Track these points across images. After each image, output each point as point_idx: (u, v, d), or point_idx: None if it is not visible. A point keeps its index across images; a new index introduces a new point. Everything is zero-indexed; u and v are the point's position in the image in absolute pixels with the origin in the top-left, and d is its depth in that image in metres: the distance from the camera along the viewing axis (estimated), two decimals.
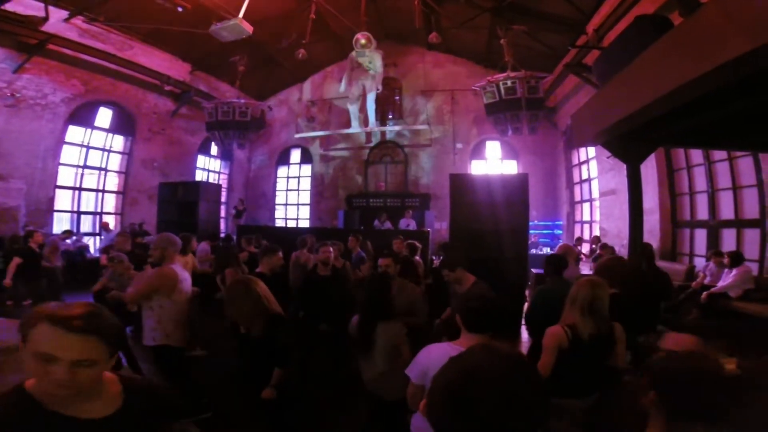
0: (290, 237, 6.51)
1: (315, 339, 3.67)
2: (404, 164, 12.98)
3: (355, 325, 2.54)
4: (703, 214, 6.07)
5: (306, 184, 14.14)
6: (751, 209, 5.16)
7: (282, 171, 14.57)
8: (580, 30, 7.48)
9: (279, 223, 13.98)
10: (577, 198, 10.92)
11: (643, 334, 3.48)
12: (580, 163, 10.52)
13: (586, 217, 10.43)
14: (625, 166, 4.16)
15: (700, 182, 6.13)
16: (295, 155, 14.43)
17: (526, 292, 6.01)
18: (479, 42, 10.47)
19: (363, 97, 10.61)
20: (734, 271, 4.45)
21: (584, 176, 10.41)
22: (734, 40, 1.59)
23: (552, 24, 8.13)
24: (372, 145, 13.07)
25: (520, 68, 9.05)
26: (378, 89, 9.45)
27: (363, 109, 10.99)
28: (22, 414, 0.96)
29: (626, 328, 2.59)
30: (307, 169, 14.18)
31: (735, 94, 2.12)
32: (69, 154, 9.30)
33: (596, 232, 9.54)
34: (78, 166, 9.53)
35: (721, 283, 4.64)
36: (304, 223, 13.67)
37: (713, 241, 5.76)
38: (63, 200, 9.24)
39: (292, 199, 14.37)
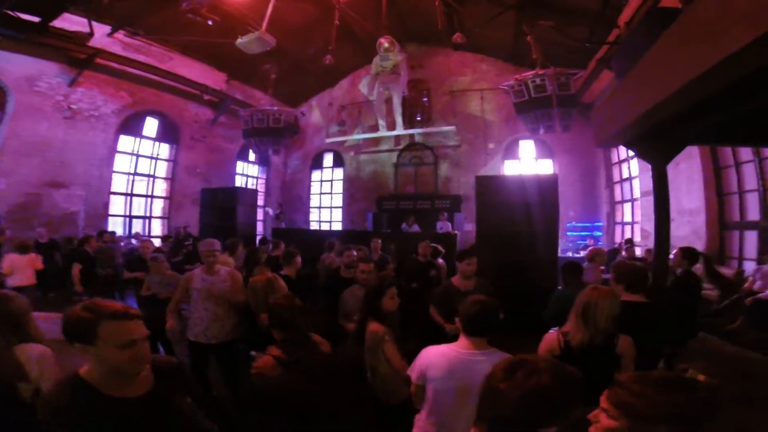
0: (321, 240, 6.73)
1: (337, 337, 3.81)
2: (434, 166, 12.93)
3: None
4: (754, 214, 5.59)
5: (338, 187, 14.46)
6: None
7: (316, 175, 14.99)
8: (612, 23, 7.13)
9: (313, 226, 14.39)
10: (618, 198, 10.38)
11: (672, 346, 3.32)
12: (620, 161, 10.00)
13: (628, 218, 9.89)
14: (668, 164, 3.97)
15: (750, 180, 5.65)
16: (328, 159, 14.79)
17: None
18: (506, 40, 10.25)
19: (389, 100, 10.71)
20: None
21: (625, 175, 9.88)
22: (736, 28, 1.51)
23: (580, 18, 7.80)
24: (401, 147, 13.14)
25: (549, 65, 8.76)
26: (404, 92, 9.49)
27: (390, 113, 11.09)
28: (80, 395, 1.19)
29: (652, 339, 2.46)
30: (339, 172, 14.50)
31: (757, 85, 1.99)
32: (121, 162, 10.12)
33: (637, 234, 9.04)
34: (129, 174, 10.34)
35: None
36: (337, 226, 13.98)
37: (765, 244, 5.29)
38: (117, 205, 10.07)
39: (326, 202, 14.74)
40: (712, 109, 2.44)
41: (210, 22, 8.52)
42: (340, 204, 14.29)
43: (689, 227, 6.54)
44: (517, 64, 11.00)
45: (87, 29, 8.18)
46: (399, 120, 11.03)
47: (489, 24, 9.23)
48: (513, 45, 10.24)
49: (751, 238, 5.66)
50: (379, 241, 5.97)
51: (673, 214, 6.62)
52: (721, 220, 6.18)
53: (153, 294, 3.97)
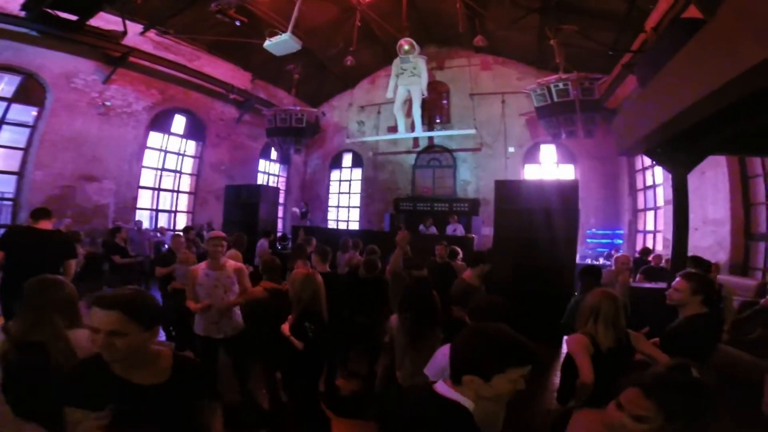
0: (338, 238, 6.86)
1: (354, 334, 3.93)
2: (453, 168, 12.94)
3: (404, 323, 2.66)
4: None
5: (357, 187, 14.62)
6: None
7: (335, 174, 15.19)
8: (638, 28, 7.03)
9: (331, 225, 14.59)
10: (641, 206, 10.17)
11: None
12: (644, 168, 9.80)
13: (650, 226, 9.69)
14: (688, 173, 3.92)
15: None
16: (347, 159, 14.97)
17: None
18: (529, 43, 10.17)
19: (409, 102, 10.78)
20: None
21: (649, 182, 9.69)
22: (755, 42, 1.54)
23: (605, 22, 7.70)
24: (419, 149, 13.19)
25: (572, 69, 8.68)
26: (424, 94, 9.55)
27: (410, 114, 11.16)
28: (94, 372, 1.28)
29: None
30: (357, 172, 14.66)
31: None
32: (150, 158, 10.50)
33: (660, 244, 8.85)
34: (157, 169, 10.73)
35: None
36: (354, 226, 14.13)
37: None
38: (144, 199, 10.46)
39: (344, 201, 14.93)
40: (733, 119, 2.44)
41: (238, 23, 8.75)
42: (358, 204, 14.45)
43: (713, 237, 6.40)
44: (539, 67, 10.93)
45: (121, 28, 8.50)
46: (418, 122, 11.08)
47: (511, 27, 9.21)
48: (536, 48, 10.16)
49: None
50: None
51: (697, 223, 6.50)
52: (747, 230, 6.02)
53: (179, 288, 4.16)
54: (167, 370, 1.37)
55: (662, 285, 4.62)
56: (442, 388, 1.24)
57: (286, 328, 2.81)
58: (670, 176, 7.78)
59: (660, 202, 8.90)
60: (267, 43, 7.20)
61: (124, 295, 1.31)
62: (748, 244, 5.99)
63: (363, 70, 13.11)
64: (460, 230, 9.51)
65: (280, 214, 13.37)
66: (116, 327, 1.24)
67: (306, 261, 4.18)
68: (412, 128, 11.30)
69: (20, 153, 8.11)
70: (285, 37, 7.00)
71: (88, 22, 7.77)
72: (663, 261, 6.12)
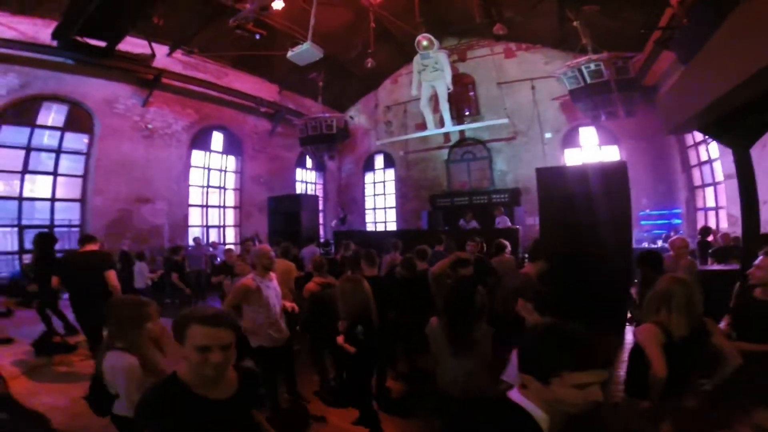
0: (380, 240, 6.92)
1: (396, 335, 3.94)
2: (488, 160, 12.67)
3: (443, 325, 2.61)
4: None
5: (391, 187, 14.68)
6: None
7: (369, 177, 15.33)
8: (664, 2, 6.58)
9: (369, 227, 14.74)
10: (697, 182, 9.49)
11: None
12: (696, 144, 9.14)
13: (711, 203, 9.02)
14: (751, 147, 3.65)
15: None
16: (379, 161, 15.06)
17: (632, 290, 5.50)
18: (550, 27, 9.80)
19: (435, 97, 10.67)
20: None
21: (703, 157, 9.02)
22: None
23: (627, 1, 7.31)
24: (451, 143, 13.03)
25: (601, 50, 8.28)
26: (449, 88, 9.42)
27: (437, 110, 11.04)
28: (176, 393, 1.31)
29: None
30: (390, 173, 14.71)
31: None
32: (195, 176, 11.07)
33: (723, 221, 8.22)
34: (202, 186, 11.30)
35: None
36: (392, 226, 14.19)
37: None
38: (194, 216, 11.06)
39: (380, 203, 15.04)
40: None
41: (257, 36, 8.91)
42: (394, 204, 14.50)
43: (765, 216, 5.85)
44: (565, 49, 10.45)
45: (148, 50, 8.89)
46: (447, 116, 10.92)
47: (530, 13, 8.91)
48: (558, 31, 9.77)
49: None
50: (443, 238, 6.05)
51: (763, 196, 5.96)
52: None
53: None
54: (235, 382, 1.44)
55: (734, 266, 4.29)
56: (515, 394, 1.14)
57: (340, 339, 2.86)
58: (726, 150, 7.25)
59: (719, 177, 8.27)
60: (290, 54, 7.38)
61: (222, 312, 1.40)
62: None
63: (384, 70, 13.13)
64: (506, 222, 9.30)
65: (321, 220, 13.67)
66: (229, 341, 1.32)
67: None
68: (442, 123, 11.19)
69: (80, 180, 8.80)
70: (306, 46, 7.14)
71: (117, 47, 8.13)
72: (731, 239, 5.68)
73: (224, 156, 11.90)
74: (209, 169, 11.48)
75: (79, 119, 8.80)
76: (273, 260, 3.37)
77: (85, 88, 8.60)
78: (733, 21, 2.06)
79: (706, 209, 9.18)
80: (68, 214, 8.71)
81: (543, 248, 5.33)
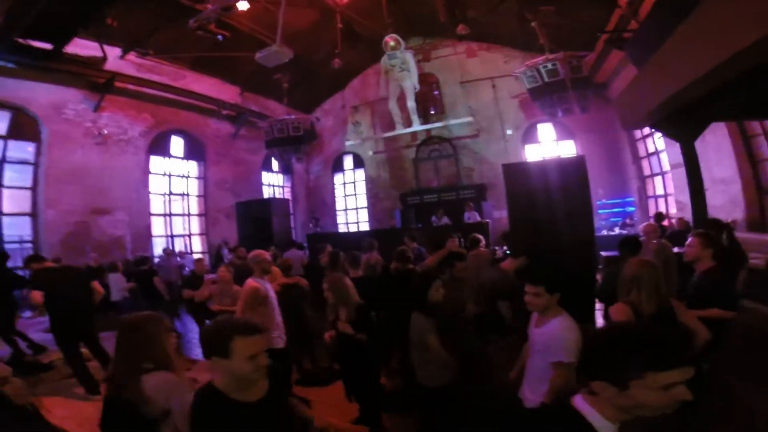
0: (354, 241, 6.95)
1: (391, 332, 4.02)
2: (454, 157, 13.01)
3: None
4: None
5: (361, 188, 14.71)
6: None
7: (338, 178, 15.28)
8: (613, 2, 7.12)
9: (341, 228, 14.69)
10: (647, 172, 10.25)
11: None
12: (644, 137, 9.87)
13: (660, 191, 9.77)
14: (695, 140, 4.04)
15: None
16: (348, 161, 15.05)
17: (597, 276, 5.89)
18: (510, 27, 10.24)
19: (403, 97, 10.83)
20: None
21: (651, 149, 9.76)
22: (748, 25, 1.64)
23: (581, 0, 7.81)
24: (418, 142, 13.27)
25: (557, 49, 8.78)
26: (416, 88, 9.62)
27: (405, 109, 11.22)
28: (215, 399, 1.39)
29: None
30: (360, 173, 14.74)
31: None
32: (155, 184, 10.56)
33: (672, 206, 8.94)
34: (164, 194, 10.82)
35: None
36: (364, 226, 14.23)
37: None
38: (157, 226, 10.57)
39: (351, 203, 15.03)
40: (731, 91, 2.55)
41: (220, 38, 8.66)
42: (365, 204, 14.55)
43: (725, 196, 6.49)
44: (524, 49, 10.97)
45: (100, 53, 8.39)
46: (414, 116, 11.15)
47: (491, 13, 9.27)
48: (518, 31, 10.22)
49: None
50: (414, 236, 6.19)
51: (706, 183, 6.56)
52: (758, 186, 6.11)
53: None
54: (264, 383, 1.50)
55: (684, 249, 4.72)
56: (580, 402, 1.04)
57: (343, 325, 2.88)
58: (671, 142, 7.88)
59: (666, 167, 8.98)
60: (258, 55, 7.26)
61: (250, 320, 1.51)
62: (763, 199, 6.08)
63: (351, 70, 13.14)
64: (475, 217, 9.60)
65: (292, 224, 13.47)
66: (266, 344, 1.49)
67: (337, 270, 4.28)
68: (409, 122, 11.39)
69: (28, 192, 8.17)
70: (274, 48, 7.05)
71: (64, 50, 7.62)
72: (684, 223, 6.17)
73: (186, 161, 11.44)
74: (170, 176, 11.01)
75: (23, 126, 8.16)
76: (271, 263, 3.44)
77: (30, 92, 7.98)
78: (684, 29, 2.30)
79: (656, 197, 9.92)
80: (18, 229, 8.06)
81: (514, 241, 5.60)
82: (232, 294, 4.39)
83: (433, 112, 13.21)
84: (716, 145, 6.43)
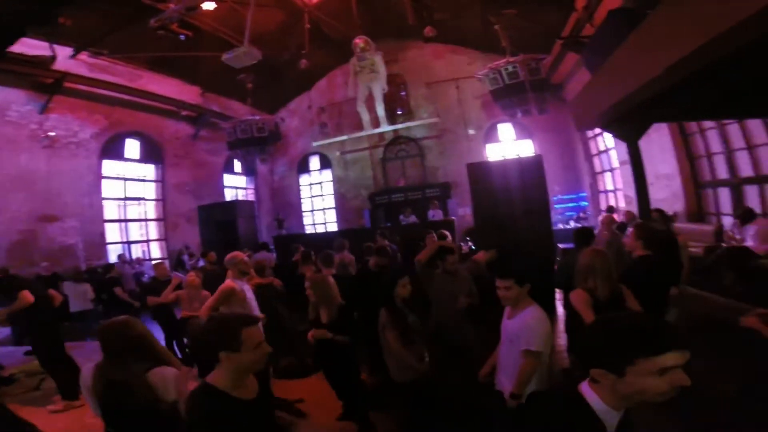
0: (323, 242, 6.95)
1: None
2: (420, 157, 13.27)
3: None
4: (723, 173, 6.14)
5: (329, 188, 14.64)
6: None
7: (304, 179, 15.12)
8: (571, 4, 7.58)
9: (308, 230, 14.55)
10: (598, 168, 10.94)
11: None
12: (596, 135, 10.53)
13: (610, 186, 10.46)
14: (639, 139, 4.40)
15: (715, 144, 6.20)
16: (314, 162, 14.94)
17: (556, 268, 6.25)
18: (474, 29, 10.62)
19: (371, 98, 10.91)
20: (751, 229, 4.52)
21: (601, 147, 10.43)
22: (688, 35, 1.88)
23: (541, 3, 8.25)
24: (386, 142, 13.42)
25: (518, 52, 9.19)
26: (385, 89, 9.74)
27: (373, 110, 11.31)
28: (218, 398, 1.41)
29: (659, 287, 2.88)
30: (327, 173, 14.67)
31: (710, 75, 2.38)
32: (109, 188, 9.98)
33: (621, 200, 9.61)
34: (119, 199, 10.26)
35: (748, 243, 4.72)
36: (332, 227, 14.18)
37: (737, 199, 5.84)
38: (113, 232, 10.01)
39: (318, 204, 14.92)
40: (671, 96, 2.86)
41: (182, 38, 8.40)
42: (333, 204, 14.50)
43: (668, 190, 7.08)
44: (486, 51, 11.39)
45: (49, 53, 7.91)
46: (382, 116, 11.26)
47: (457, 16, 9.55)
48: (481, 34, 10.59)
49: (724, 195, 6.22)
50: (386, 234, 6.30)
51: (651, 178, 7.15)
52: (695, 180, 6.73)
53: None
54: (254, 383, 1.55)
55: None
56: (586, 388, 1.06)
57: (321, 332, 2.89)
58: (620, 141, 8.48)
59: (615, 163, 9.64)
60: (225, 56, 7.08)
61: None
62: (699, 192, 6.69)
63: (318, 71, 13.07)
64: (439, 215, 9.85)
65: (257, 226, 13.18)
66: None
67: (313, 267, 4.31)
68: (377, 123, 11.48)
69: None
70: (242, 49, 6.92)
71: (9, 50, 6.90)
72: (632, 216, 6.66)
73: (142, 164, 10.91)
74: (126, 180, 10.46)
75: None
76: (248, 265, 3.42)
77: None
78: (633, 39, 2.54)
79: (606, 192, 10.63)
80: None
81: (479, 237, 5.85)
82: (201, 299, 4.30)
83: (400, 112, 13.40)
84: (660, 143, 7.00)
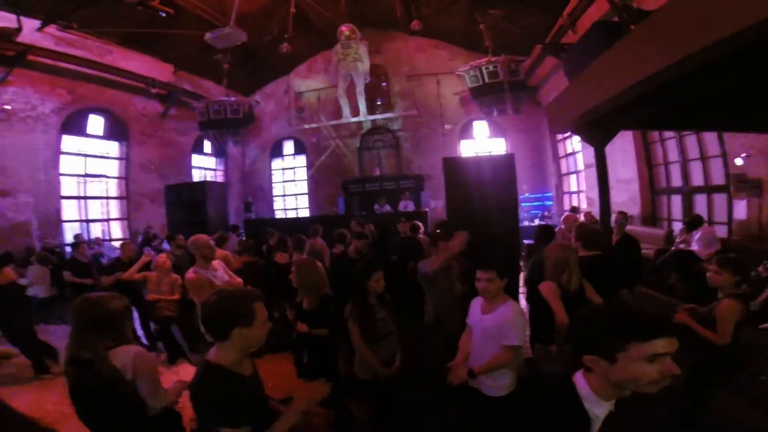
0: (295, 227, 6.91)
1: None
2: (396, 148, 13.33)
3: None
4: (677, 181, 6.62)
5: (302, 174, 14.43)
6: (718, 176, 5.71)
7: (276, 163, 14.82)
8: (557, 11, 7.81)
9: (279, 215, 14.33)
10: (564, 170, 11.43)
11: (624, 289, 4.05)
12: (564, 138, 10.98)
13: (574, 187, 10.97)
14: (606, 145, 4.68)
15: (673, 153, 6.65)
16: (288, 147, 14.65)
17: (521, 263, 6.55)
18: (458, 26, 10.71)
19: (352, 86, 10.82)
20: (697, 234, 4.94)
21: (569, 150, 10.89)
22: (660, 51, 2.05)
23: (528, 7, 8.44)
24: (363, 131, 13.37)
25: (500, 52, 9.38)
26: (367, 79, 9.68)
27: (353, 99, 11.23)
28: (226, 376, 1.42)
29: (609, 284, 3.10)
30: (301, 159, 14.44)
31: (681, 86, 2.59)
32: (69, 164, 9.45)
33: (584, 202, 10.11)
34: (79, 175, 9.71)
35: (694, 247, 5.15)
36: (304, 213, 14.04)
37: (687, 206, 6.32)
38: (70, 210, 9.47)
39: (290, 189, 14.68)
40: (637, 107, 3.08)
41: (163, 14, 8.03)
42: (305, 191, 14.33)
43: (626, 194, 7.54)
44: (468, 48, 11.52)
45: (14, 24, 7.46)
46: (362, 106, 11.19)
47: (443, 12, 9.60)
48: (465, 31, 10.70)
49: (677, 202, 6.71)
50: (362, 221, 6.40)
51: (611, 182, 7.60)
52: (652, 187, 7.21)
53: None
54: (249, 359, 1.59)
55: None
56: (579, 379, 1.07)
57: (301, 326, 2.75)
58: (586, 144, 8.87)
59: (580, 166, 10.11)
60: (208, 36, 6.82)
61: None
62: (654, 198, 7.17)
63: (297, 56, 12.72)
64: (410, 206, 9.98)
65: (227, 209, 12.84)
66: None
67: (286, 255, 4.31)
68: (357, 112, 11.41)
69: None
70: (229, 29, 6.68)
71: None
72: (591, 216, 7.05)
73: (106, 141, 10.34)
74: (87, 156, 9.88)
75: None
76: (214, 249, 3.29)
77: None
78: (611, 52, 2.70)
79: (570, 193, 11.14)
80: None
81: (450, 229, 6.01)
82: (170, 282, 4.21)
83: (379, 102, 13.35)
84: (623, 149, 7.42)
